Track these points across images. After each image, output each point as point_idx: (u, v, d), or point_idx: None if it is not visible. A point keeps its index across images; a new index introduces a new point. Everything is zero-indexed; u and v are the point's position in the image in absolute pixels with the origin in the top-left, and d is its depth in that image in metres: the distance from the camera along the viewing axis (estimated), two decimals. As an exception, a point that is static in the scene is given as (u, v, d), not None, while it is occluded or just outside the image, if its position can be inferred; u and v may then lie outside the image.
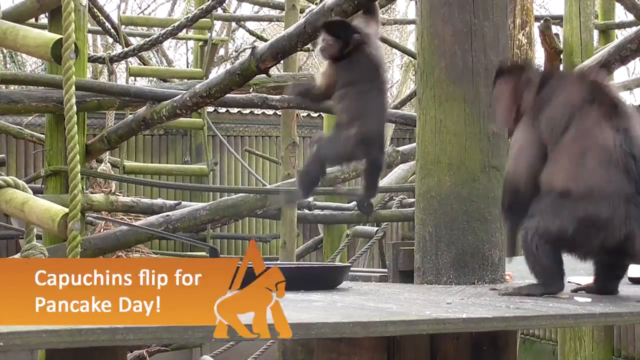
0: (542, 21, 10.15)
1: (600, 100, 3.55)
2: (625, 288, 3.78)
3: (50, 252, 7.36)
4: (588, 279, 3.90)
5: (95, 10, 11.14)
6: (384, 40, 14.70)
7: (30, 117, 12.03)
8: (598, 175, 3.45)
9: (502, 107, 3.78)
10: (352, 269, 4.45)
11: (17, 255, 6.17)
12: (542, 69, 3.86)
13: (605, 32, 12.79)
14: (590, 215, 3.42)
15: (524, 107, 3.69)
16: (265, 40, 9.56)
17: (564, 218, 3.44)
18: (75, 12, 8.14)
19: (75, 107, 6.10)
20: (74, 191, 5.82)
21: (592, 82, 3.64)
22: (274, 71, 7.20)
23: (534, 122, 3.60)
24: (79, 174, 6.01)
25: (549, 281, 3.55)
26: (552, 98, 3.59)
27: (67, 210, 5.87)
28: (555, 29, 10.84)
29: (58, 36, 6.40)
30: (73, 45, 6.06)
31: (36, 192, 9.15)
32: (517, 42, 6.79)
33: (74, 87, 6.07)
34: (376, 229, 10.55)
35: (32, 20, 10.07)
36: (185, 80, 10.64)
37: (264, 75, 6.43)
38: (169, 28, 9.87)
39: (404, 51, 15.51)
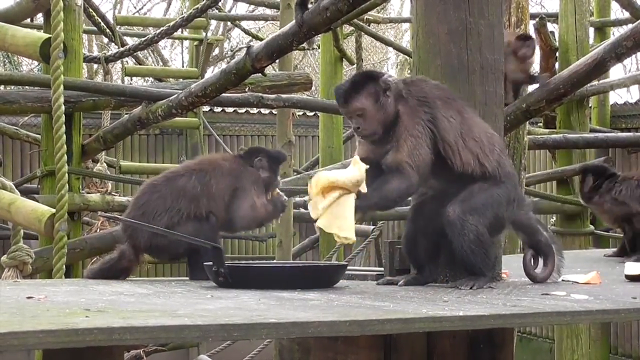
0: (537, 19, 10.17)
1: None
2: (622, 286, 3.78)
3: (45, 252, 7.34)
4: (585, 277, 3.90)
5: (91, 10, 11.14)
6: (379, 38, 14.72)
7: (26, 118, 12.02)
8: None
9: None
10: (348, 267, 4.45)
11: (4, 257, 6.13)
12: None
13: (601, 30, 12.79)
14: None
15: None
16: (261, 40, 9.57)
17: None
18: (71, 12, 8.17)
19: (63, 107, 6.06)
20: (61, 191, 5.79)
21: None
22: (269, 70, 7.19)
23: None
24: (66, 174, 5.98)
25: None
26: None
27: (54, 210, 5.83)
28: (550, 26, 10.85)
29: (47, 35, 6.38)
30: (62, 44, 6.04)
31: (32, 192, 9.16)
32: (513, 40, 6.78)
33: (62, 87, 6.04)
34: (372, 227, 10.55)
35: (28, 21, 10.08)
36: (181, 80, 10.65)
37: (260, 74, 6.43)
38: (165, 28, 9.88)
39: (399, 49, 15.51)
